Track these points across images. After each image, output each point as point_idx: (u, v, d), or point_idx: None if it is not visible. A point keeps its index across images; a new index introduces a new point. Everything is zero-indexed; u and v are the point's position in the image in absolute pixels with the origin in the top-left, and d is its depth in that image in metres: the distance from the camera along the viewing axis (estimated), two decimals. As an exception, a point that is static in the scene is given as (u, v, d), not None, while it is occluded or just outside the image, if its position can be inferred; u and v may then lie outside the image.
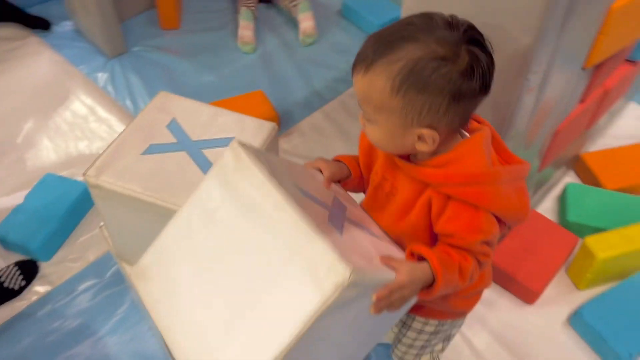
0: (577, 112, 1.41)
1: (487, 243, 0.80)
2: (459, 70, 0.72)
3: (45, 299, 1.47)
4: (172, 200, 1.01)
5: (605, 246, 1.42)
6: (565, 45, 1.01)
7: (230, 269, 0.73)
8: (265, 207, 0.70)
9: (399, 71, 0.71)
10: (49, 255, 1.54)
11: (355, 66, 0.76)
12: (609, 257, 1.41)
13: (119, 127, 1.90)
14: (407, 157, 0.84)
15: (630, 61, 1.55)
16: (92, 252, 1.56)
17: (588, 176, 1.74)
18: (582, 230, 1.56)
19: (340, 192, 0.92)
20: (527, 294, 1.46)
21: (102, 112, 1.96)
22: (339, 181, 0.94)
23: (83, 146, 1.84)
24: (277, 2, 2.39)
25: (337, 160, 0.95)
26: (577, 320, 1.41)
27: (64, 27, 2.29)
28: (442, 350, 1.15)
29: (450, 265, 0.78)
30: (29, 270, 1.50)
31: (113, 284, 1.49)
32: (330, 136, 1.92)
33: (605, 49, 1.19)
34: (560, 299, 1.49)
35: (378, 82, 0.73)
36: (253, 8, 2.29)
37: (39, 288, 1.49)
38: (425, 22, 0.73)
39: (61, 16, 2.28)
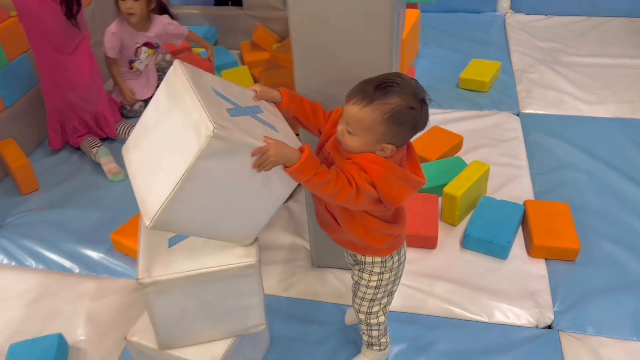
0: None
1: (364, 191, 1.20)
2: (416, 116, 1.23)
3: None
4: (214, 263, 1.31)
5: (457, 188, 2.07)
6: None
7: (157, 139, 1.22)
8: (181, 93, 1.17)
9: (389, 110, 1.19)
10: (57, 409, 1.59)
11: (354, 98, 1.20)
12: (463, 193, 2.05)
13: (38, 287, 1.98)
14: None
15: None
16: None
17: (416, 159, 2.42)
18: (434, 191, 2.20)
19: (267, 107, 1.33)
20: (430, 241, 2.03)
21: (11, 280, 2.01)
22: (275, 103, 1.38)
23: (14, 314, 1.88)
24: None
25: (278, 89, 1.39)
26: (468, 241, 2.02)
27: None
28: (388, 304, 1.55)
29: (315, 166, 1.18)
30: None
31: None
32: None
33: (403, 68, 1.85)
34: (449, 237, 2.09)
35: (374, 114, 1.19)
36: (102, 145, 2.55)
37: None
38: (403, 84, 1.22)
39: None
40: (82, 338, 1.79)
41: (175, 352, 1.42)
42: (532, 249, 1.97)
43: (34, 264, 2.09)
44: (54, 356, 1.65)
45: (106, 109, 2.66)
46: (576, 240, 1.94)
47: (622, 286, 1.86)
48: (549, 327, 1.76)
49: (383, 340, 1.60)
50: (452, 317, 1.80)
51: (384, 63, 1.46)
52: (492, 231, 1.99)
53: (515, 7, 3.87)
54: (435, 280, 1.91)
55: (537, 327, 1.76)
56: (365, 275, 1.46)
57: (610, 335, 1.71)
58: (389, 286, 1.49)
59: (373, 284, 1.46)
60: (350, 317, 1.80)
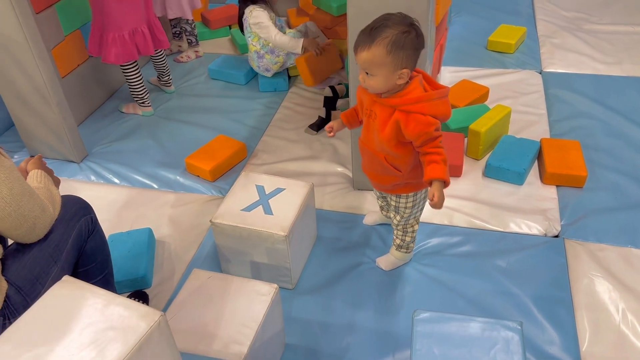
0: (434, 59, 2.38)
1: (437, 129, 1.55)
2: (413, 38, 1.49)
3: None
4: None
5: (481, 125, 2.39)
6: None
7: None
8: None
9: (388, 42, 1.46)
10: (150, 282, 1.98)
11: (359, 47, 1.49)
12: (486, 129, 2.37)
13: (125, 198, 2.38)
14: (380, 97, 1.59)
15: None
16: (177, 273, 2.03)
17: (446, 106, 2.74)
18: (460, 131, 2.52)
19: None
20: (455, 170, 2.35)
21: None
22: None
23: (108, 216, 2.27)
24: None
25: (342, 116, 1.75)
26: (489, 170, 2.33)
27: (16, 159, 2.65)
28: (420, 215, 1.88)
29: (437, 166, 1.52)
30: (142, 296, 1.92)
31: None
32: (283, 145, 2.64)
33: (438, 15, 2.17)
34: (473, 168, 2.41)
35: (378, 50, 1.46)
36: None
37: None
38: (391, 18, 1.49)
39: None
40: (166, 234, 2.18)
41: (251, 227, 1.79)
42: (545, 177, 2.28)
43: (119, 182, 2.49)
44: (146, 244, 2.04)
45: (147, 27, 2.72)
46: (584, 169, 2.25)
47: (623, 206, 2.16)
48: (556, 237, 2.08)
49: (411, 245, 1.94)
50: (473, 227, 2.13)
51: (422, 6, 1.78)
52: (510, 160, 2.30)
53: (544, -19, 4.12)
54: (460, 200, 2.24)
55: (545, 235, 2.08)
56: (402, 200, 1.79)
57: (608, 243, 2.02)
58: (421, 202, 1.83)
59: (410, 204, 1.80)
60: (368, 219, 2.16)
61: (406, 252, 1.96)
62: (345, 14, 1.90)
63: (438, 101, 1.53)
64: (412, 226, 1.87)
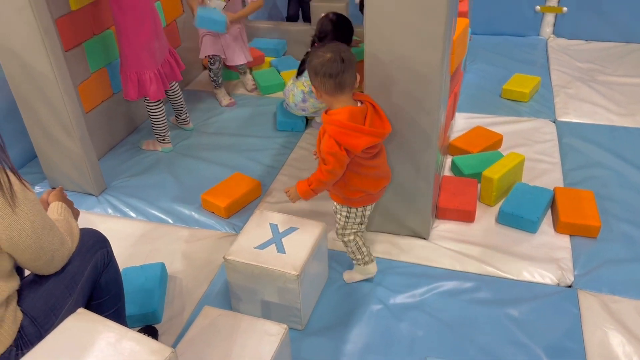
0: (448, 106, 2.42)
1: (331, 154, 1.68)
2: (317, 63, 1.66)
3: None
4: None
5: (494, 172, 2.41)
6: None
7: None
8: None
9: (310, 64, 1.70)
10: (160, 317, 1.99)
11: None
12: (500, 176, 2.39)
13: (140, 232, 2.41)
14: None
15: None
16: (187, 309, 2.04)
17: (459, 151, 2.78)
18: (474, 177, 2.54)
19: None
20: (468, 215, 2.36)
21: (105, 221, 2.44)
22: None
23: (122, 250, 2.29)
24: None
25: None
26: (502, 217, 2.34)
27: (38, 189, 2.71)
28: (359, 231, 1.98)
29: (307, 181, 1.79)
30: (152, 331, 1.93)
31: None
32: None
33: (453, 64, 2.22)
34: (485, 214, 2.42)
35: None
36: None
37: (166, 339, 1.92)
38: (327, 47, 1.69)
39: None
40: (178, 269, 2.20)
41: (263, 265, 1.80)
42: (558, 225, 2.28)
43: (135, 216, 2.53)
44: (159, 278, 2.05)
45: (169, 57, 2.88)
46: (598, 219, 2.24)
47: (637, 258, 2.14)
48: (569, 287, 2.06)
49: (359, 257, 2.03)
50: (485, 274, 2.12)
51: (436, 56, 1.83)
52: (524, 208, 2.31)
53: (558, 33, 4.20)
54: (472, 246, 2.24)
55: (558, 285, 2.06)
56: (338, 207, 1.94)
57: (622, 295, 2.00)
58: (357, 219, 1.95)
59: (344, 214, 1.94)
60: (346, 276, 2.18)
61: (357, 264, 2.06)
62: (361, 61, 1.95)
63: (352, 133, 1.67)
64: (348, 237, 1.98)
